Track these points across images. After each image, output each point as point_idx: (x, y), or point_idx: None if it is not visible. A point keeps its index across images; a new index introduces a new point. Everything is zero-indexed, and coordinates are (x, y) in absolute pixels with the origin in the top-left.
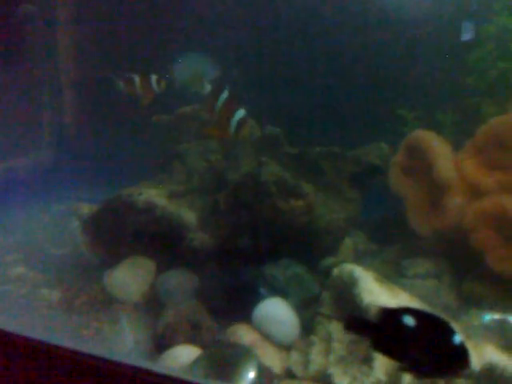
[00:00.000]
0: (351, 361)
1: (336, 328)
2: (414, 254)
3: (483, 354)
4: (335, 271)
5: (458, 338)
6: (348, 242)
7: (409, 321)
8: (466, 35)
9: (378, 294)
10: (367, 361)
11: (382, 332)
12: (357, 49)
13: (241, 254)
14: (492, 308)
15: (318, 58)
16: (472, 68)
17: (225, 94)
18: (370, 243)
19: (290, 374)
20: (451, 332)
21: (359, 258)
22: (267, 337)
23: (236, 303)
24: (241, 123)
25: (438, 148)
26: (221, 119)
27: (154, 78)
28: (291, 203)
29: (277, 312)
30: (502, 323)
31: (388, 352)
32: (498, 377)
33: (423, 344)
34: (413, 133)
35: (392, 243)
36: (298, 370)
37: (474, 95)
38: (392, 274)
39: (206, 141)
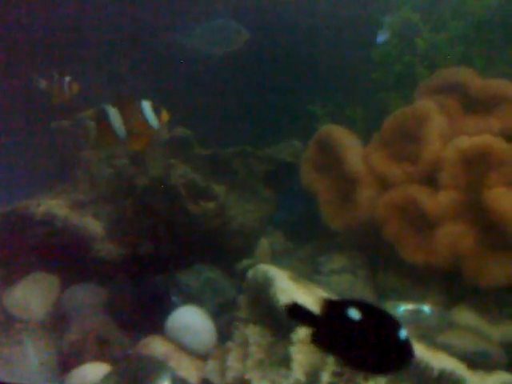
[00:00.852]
0: (269, 364)
1: (253, 331)
2: (329, 251)
3: None
4: (250, 273)
5: (403, 333)
6: (264, 243)
7: (353, 314)
8: (383, 34)
9: (293, 292)
10: (285, 362)
11: (324, 325)
12: (267, 47)
13: (151, 262)
14: (407, 299)
15: (229, 57)
16: (378, 63)
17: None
18: (287, 242)
19: (207, 383)
20: (397, 327)
21: (276, 257)
22: (182, 347)
23: (148, 314)
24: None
25: (347, 142)
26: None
27: (66, 79)
28: (202, 206)
29: (190, 320)
30: (416, 313)
31: (329, 347)
32: (415, 367)
33: (368, 338)
34: (322, 128)
35: (309, 241)
36: (215, 378)
37: (382, 90)
38: (308, 272)
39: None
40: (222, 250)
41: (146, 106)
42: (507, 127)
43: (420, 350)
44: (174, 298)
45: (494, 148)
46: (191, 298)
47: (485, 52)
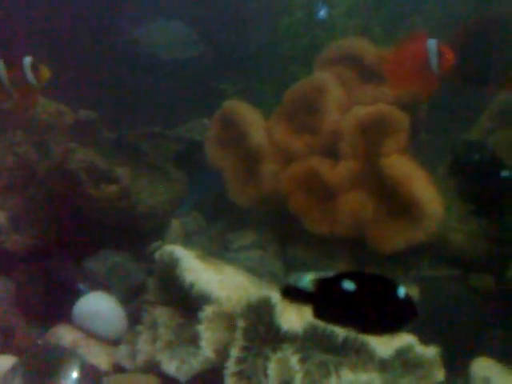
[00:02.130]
0: (179, 344)
1: (161, 313)
2: (238, 227)
3: (306, 316)
4: (157, 255)
5: (402, 291)
6: (176, 224)
7: (348, 285)
8: (323, 10)
9: (200, 271)
10: (195, 341)
11: (321, 301)
12: None
13: (57, 250)
14: (315, 269)
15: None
16: (284, 36)
17: None
18: (200, 222)
19: (119, 368)
20: (394, 286)
21: (189, 238)
22: (91, 334)
23: (55, 304)
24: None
25: (249, 118)
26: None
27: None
28: (104, 189)
29: (97, 306)
30: (315, 283)
31: (332, 319)
32: (321, 335)
33: (368, 305)
34: (224, 105)
35: (220, 219)
36: (127, 362)
37: (291, 64)
38: (219, 250)
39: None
40: (132, 233)
41: (26, 62)
42: (400, 95)
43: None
44: (80, 286)
45: (388, 116)
46: (98, 285)
47: (385, 23)
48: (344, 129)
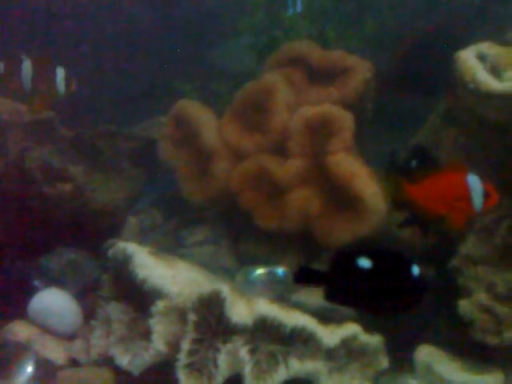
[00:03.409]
0: (132, 338)
1: (115, 309)
2: (192, 223)
3: (255, 308)
4: (110, 252)
5: (416, 270)
6: (133, 221)
7: (364, 263)
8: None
9: (153, 267)
10: (147, 335)
11: (335, 281)
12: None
13: (12, 249)
14: (264, 264)
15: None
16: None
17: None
18: (157, 219)
19: (74, 362)
20: (409, 264)
21: (144, 235)
22: (46, 329)
23: (10, 301)
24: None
25: (202, 116)
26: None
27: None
28: (58, 188)
29: (52, 302)
30: (271, 275)
31: (345, 300)
32: (270, 327)
33: (382, 283)
34: (177, 104)
35: (175, 216)
36: (81, 357)
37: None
38: (173, 246)
39: None
40: (88, 231)
41: (61, 71)
42: (346, 95)
43: (273, 310)
44: (35, 283)
45: (333, 116)
46: (54, 281)
47: (340, 25)
48: (292, 128)
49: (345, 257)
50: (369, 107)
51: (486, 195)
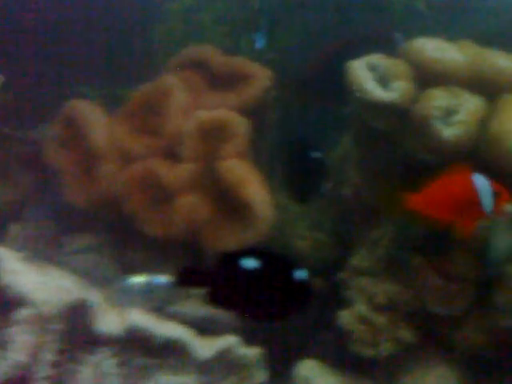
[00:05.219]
0: None
1: None
2: (76, 230)
3: (127, 318)
4: None
5: (300, 273)
6: (15, 227)
7: (249, 263)
8: (260, 38)
9: (21, 273)
10: (5, 344)
11: (219, 282)
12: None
13: None
14: (145, 272)
15: None
16: (158, 44)
17: None
18: (41, 226)
19: None
20: (293, 268)
21: (27, 241)
22: None
23: None
24: None
25: (91, 117)
26: None
27: None
28: None
29: None
30: (150, 285)
31: (227, 304)
32: (141, 338)
33: (265, 285)
34: (67, 104)
35: (60, 222)
36: None
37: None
38: (53, 253)
39: None
40: None
41: None
42: (244, 102)
43: (146, 321)
44: None
45: (228, 121)
46: None
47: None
48: (185, 132)
49: (230, 257)
50: (270, 116)
51: (496, 195)
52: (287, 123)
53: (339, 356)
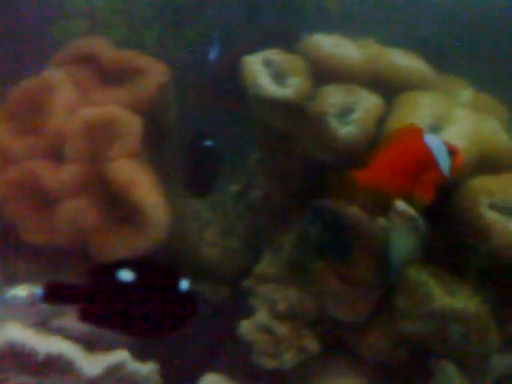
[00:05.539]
0: None
1: None
2: None
3: (2, 333)
4: None
5: (184, 284)
6: None
7: (125, 275)
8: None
9: None
10: None
11: (92, 297)
12: None
13: None
14: (29, 283)
15: None
16: (58, 40)
17: None
18: None
19: None
20: (176, 279)
21: None
22: None
23: None
24: None
25: None
26: None
27: None
28: None
29: None
30: (32, 298)
31: (102, 321)
32: (20, 354)
33: (144, 299)
34: None
35: None
36: None
37: None
38: None
39: None
40: None
41: None
42: (136, 99)
43: (24, 335)
44: None
45: (117, 119)
46: None
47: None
48: (70, 130)
49: (105, 270)
50: (169, 115)
51: (452, 154)
52: (188, 123)
53: (248, 369)
